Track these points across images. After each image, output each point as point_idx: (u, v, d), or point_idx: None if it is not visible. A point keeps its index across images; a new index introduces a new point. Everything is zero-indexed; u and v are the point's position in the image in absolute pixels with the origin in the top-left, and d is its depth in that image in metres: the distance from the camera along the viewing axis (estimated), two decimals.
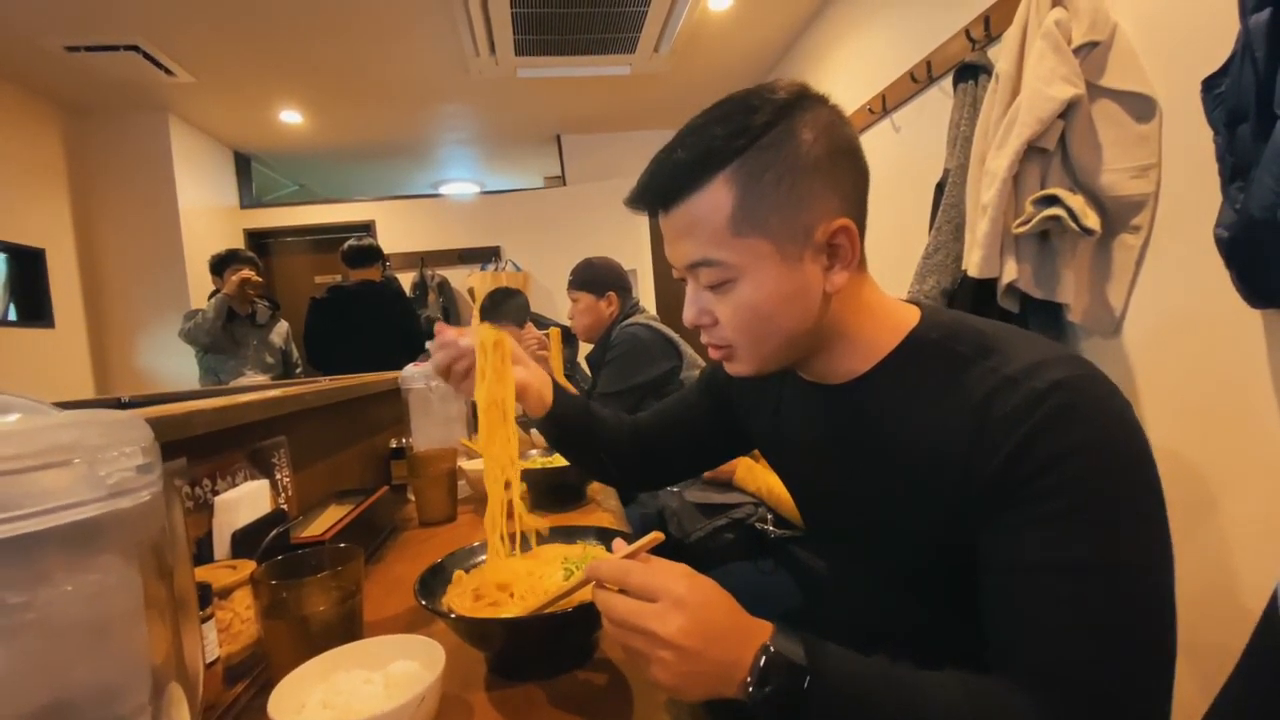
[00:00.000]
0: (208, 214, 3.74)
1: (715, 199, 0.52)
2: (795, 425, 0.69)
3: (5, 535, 0.27)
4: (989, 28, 1.77)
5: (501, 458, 0.63)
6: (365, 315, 2.78)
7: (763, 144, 0.52)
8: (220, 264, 2.73)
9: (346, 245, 2.82)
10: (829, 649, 0.45)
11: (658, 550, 0.56)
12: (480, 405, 0.64)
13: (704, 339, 0.61)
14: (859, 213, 0.55)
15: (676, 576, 0.46)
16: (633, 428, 0.87)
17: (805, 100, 0.54)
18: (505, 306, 2.26)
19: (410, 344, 2.80)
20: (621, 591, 0.47)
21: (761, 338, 0.57)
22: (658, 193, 0.56)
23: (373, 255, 2.84)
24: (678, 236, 0.56)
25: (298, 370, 2.97)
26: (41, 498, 0.28)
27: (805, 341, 0.58)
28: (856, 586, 0.72)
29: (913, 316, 0.59)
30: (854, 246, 0.54)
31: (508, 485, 0.63)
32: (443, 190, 4.98)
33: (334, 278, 3.33)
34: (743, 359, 0.59)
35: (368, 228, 4.22)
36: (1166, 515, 0.49)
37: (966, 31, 1.84)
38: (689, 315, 0.59)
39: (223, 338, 2.71)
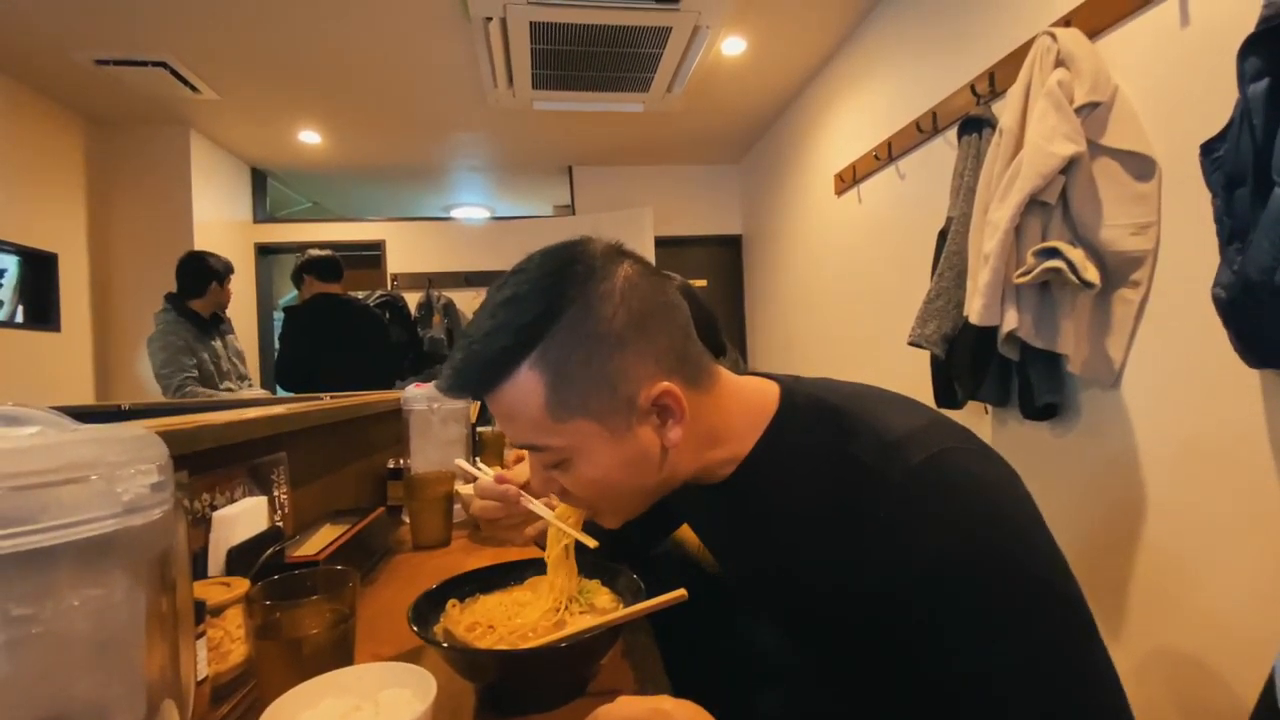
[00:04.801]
0: (221, 227, 3.79)
1: (526, 388, 0.50)
2: (700, 514, 0.71)
3: (19, 549, 0.28)
4: (994, 84, 1.82)
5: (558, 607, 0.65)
6: (338, 330, 2.72)
7: (561, 326, 0.49)
8: (227, 272, 2.67)
9: (313, 256, 2.72)
10: None
11: (679, 609, 0.56)
12: (548, 604, 0.65)
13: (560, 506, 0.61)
14: (681, 362, 0.53)
15: (656, 698, 0.43)
16: None
17: (605, 268, 0.51)
18: None
19: (382, 363, 2.77)
20: None
21: (612, 500, 0.56)
22: (468, 386, 0.53)
23: (338, 268, 2.77)
24: (501, 421, 0.54)
25: (245, 382, 2.86)
26: (58, 512, 0.29)
27: (665, 486, 0.57)
28: (787, 663, 0.74)
29: (770, 402, 0.57)
30: (680, 405, 0.52)
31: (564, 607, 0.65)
32: (454, 214, 5.05)
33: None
34: (605, 517, 0.59)
35: (378, 247, 4.27)
36: (1067, 575, 0.47)
37: (972, 86, 1.90)
38: (537, 486, 0.58)
39: (198, 366, 2.56)
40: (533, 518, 0.75)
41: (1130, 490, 1.44)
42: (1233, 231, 1.09)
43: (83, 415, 0.36)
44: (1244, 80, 1.04)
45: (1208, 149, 1.14)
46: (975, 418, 1.89)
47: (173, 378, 2.48)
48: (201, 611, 0.55)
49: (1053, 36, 1.45)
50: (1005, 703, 0.43)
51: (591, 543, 0.63)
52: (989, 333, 1.52)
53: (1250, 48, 1.03)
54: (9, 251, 2.83)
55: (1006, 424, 1.82)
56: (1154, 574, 1.39)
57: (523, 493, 0.74)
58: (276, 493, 0.89)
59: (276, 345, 2.90)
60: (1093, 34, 1.47)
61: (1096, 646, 0.46)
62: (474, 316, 0.54)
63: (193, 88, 2.95)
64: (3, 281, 2.83)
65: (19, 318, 2.91)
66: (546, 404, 0.50)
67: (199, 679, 0.53)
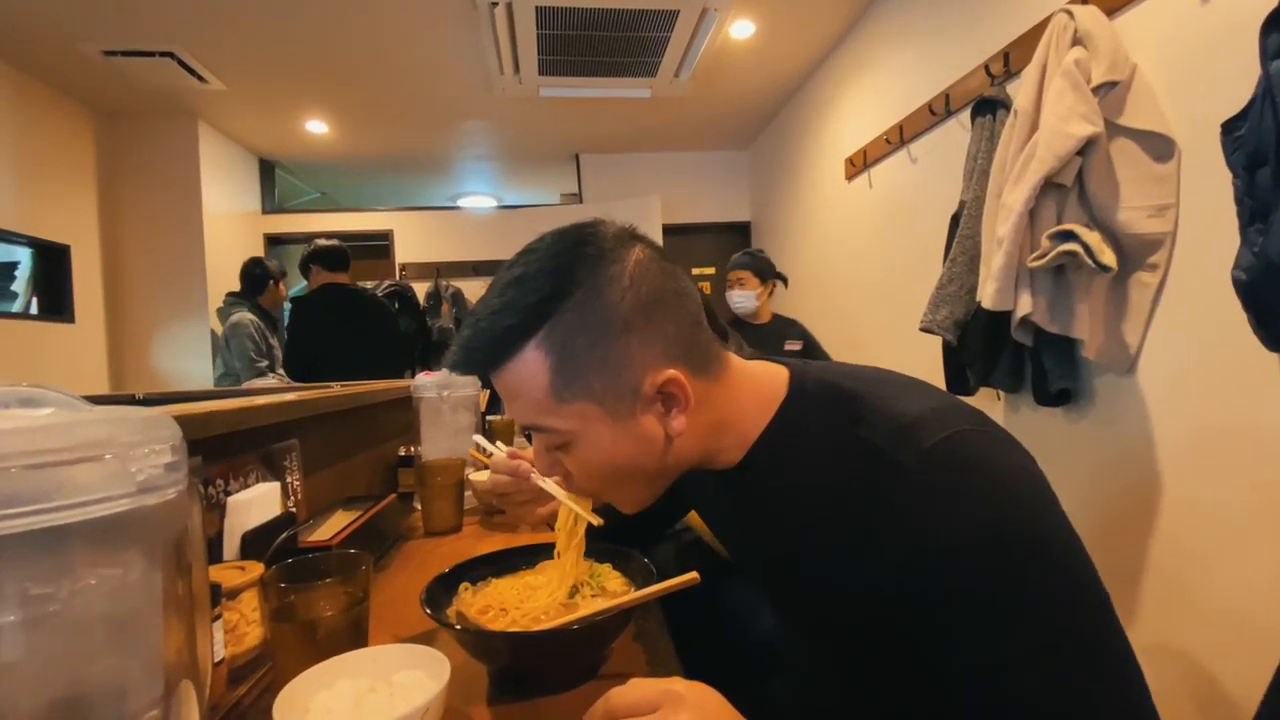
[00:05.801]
0: (230, 218, 3.81)
1: (531, 367, 0.50)
2: (709, 500, 0.71)
3: (35, 527, 0.28)
4: (1008, 64, 1.78)
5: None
6: (345, 320, 2.74)
7: (569, 307, 0.49)
8: (282, 274, 2.93)
9: (320, 246, 2.76)
10: None
11: (693, 591, 0.56)
12: (560, 587, 0.66)
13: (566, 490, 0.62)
14: (689, 349, 0.53)
15: (668, 680, 0.43)
16: None
17: (615, 251, 0.51)
18: None
19: (390, 353, 2.82)
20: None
21: (615, 487, 0.57)
22: (474, 363, 0.52)
23: (344, 258, 2.79)
24: (506, 400, 0.54)
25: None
26: (73, 491, 0.29)
27: (670, 473, 0.57)
28: (795, 649, 0.73)
29: (779, 387, 0.57)
30: (685, 393, 0.51)
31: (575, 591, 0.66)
32: (461, 203, 5.04)
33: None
34: (617, 503, 0.59)
35: (386, 236, 4.28)
36: (1084, 560, 0.46)
37: (986, 67, 1.86)
38: (542, 467, 0.58)
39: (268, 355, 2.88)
40: (544, 496, 0.75)
41: (1145, 478, 1.42)
42: (1254, 212, 1.06)
43: (97, 403, 0.36)
44: (1266, 57, 1.02)
45: (1228, 128, 1.11)
46: (988, 404, 1.87)
47: (258, 362, 2.83)
48: (217, 594, 0.55)
49: (1070, 14, 1.42)
50: (1020, 688, 0.43)
51: (597, 520, 0.63)
52: (1002, 318, 1.50)
53: (1273, 23, 1.00)
54: (23, 244, 2.86)
55: (1019, 410, 1.80)
56: (1168, 562, 1.38)
57: (534, 470, 0.75)
58: (289, 479, 0.90)
59: (285, 335, 2.97)
60: (1111, 11, 1.44)
61: (1114, 632, 0.45)
62: (483, 294, 0.54)
63: (200, 78, 2.95)
64: (17, 274, 2.87)
65: (33, 309, 2.94)
66: (550, 385, 0.50)
67: (216, 661, 0.54)
